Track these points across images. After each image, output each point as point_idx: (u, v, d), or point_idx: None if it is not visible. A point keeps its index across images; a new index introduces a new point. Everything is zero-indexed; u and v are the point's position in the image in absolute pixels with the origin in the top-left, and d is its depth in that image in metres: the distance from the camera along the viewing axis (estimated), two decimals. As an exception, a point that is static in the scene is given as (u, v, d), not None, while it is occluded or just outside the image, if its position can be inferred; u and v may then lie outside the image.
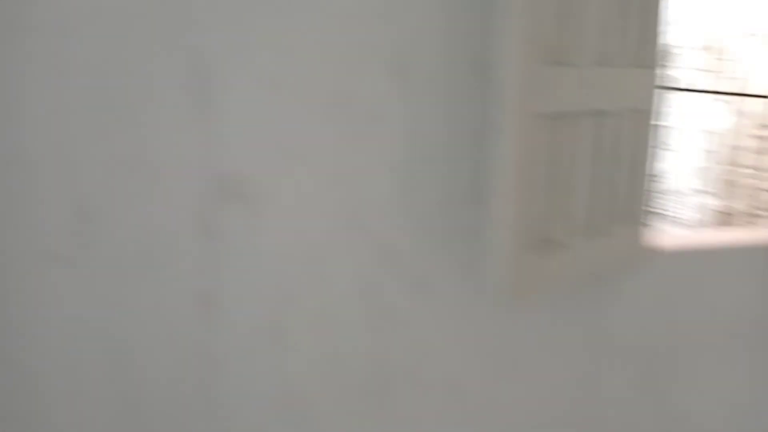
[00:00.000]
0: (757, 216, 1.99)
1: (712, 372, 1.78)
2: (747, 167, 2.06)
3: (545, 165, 1.22)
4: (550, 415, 1.63)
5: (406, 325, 1.44)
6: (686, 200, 1.98)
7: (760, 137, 2.11)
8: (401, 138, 1.35)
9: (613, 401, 1.70)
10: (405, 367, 1.45)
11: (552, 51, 1.16)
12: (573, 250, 1.34)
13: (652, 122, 1.50)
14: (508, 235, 1.15)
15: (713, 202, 2.04)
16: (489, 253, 1.17)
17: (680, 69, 1.94)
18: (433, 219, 1.42)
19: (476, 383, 1.52)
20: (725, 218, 2.06)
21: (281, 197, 1.30)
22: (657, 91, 1.48)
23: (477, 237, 1.44)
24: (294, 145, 1.28)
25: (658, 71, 1.45)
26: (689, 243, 1.72)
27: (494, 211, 1.15)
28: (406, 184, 1.38)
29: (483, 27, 1.36)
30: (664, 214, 1.94)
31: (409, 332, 1.44)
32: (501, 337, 1.52)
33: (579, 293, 1.57)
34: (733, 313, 1.77)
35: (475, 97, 1.38)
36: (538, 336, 1.56)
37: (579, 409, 1.66)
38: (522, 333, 1.54)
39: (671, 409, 1.77)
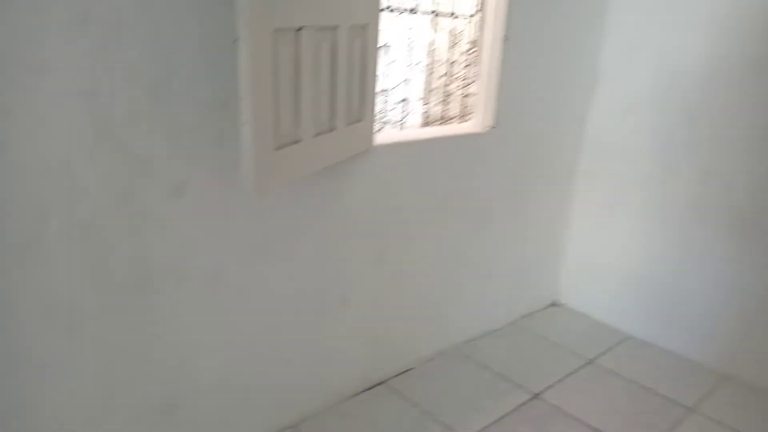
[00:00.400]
0: (465, 117, 2.49)
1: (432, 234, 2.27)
2: (457, 78, 2.53)
3: (286, 74, 1.43)
4: (304, 293, 1.94)
5: (166, 227, 1.56)
6: (408, 106, 2.38)
7: (467, 52, 2.56)
8: (152, 51, 1.42)
9: (358, 273, 2.08)
10: (167, 266, 1.59)
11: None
12: (312, 145, 1.59)
13: (377, 37, 1.79)
14: (255, 136, 1.35)
15: (430, 108, 2.48)
16: (241, 154, 1.36)
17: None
18: (189, 127, 1.54)
19: (235, 272, 1.73)
20: (441, 121, 2.52)
21: (28, 112, 1.29)
22: (379, 10, 1.76)
23: (231, 141, 1.60)
24: (39, 61, 1.28)
25: (376, -7, 1.73)
26: (405, 138, 2.12)
27: (243, 115, 1.33)
28: (161, 96, 1.46)
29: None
30: (388, 118, 2.32)
31: (169, 233, 1.57)
32: (255, 228, 1.75)
33: (319, 183, 1.86)
34: (441, 190, 2.25)
35: (227, 11, 1.49)
36: (288, 223, 1.82)
37: (329, 284, 2.00)
38: (273, 222, 1.79)
39: (402, 274, 2.22)
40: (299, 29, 1.45)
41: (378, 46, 1.82)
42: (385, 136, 2.09)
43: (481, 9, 2.31)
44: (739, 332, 2.43)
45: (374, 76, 1.84)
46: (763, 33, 2.21)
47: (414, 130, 2.32)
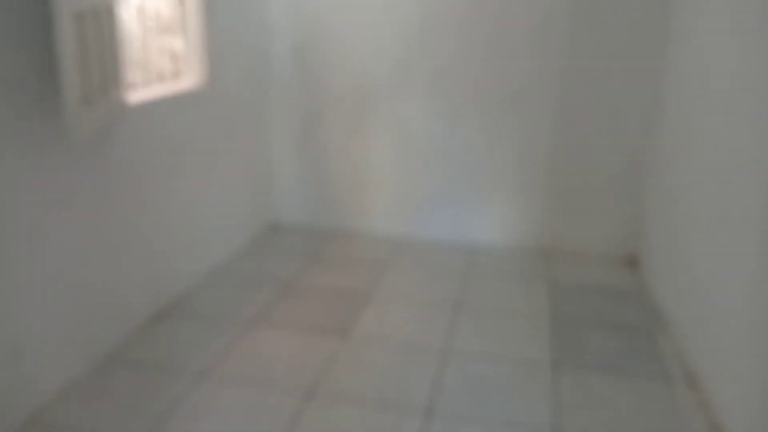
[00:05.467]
0: (178, 77, 2.94)
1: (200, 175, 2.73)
2: (156, 47, 2.95)
3: (79, 47, 1.76)
4: (93, 236, 2.23)
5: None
6: (146, 70, 2.75)
7: (155, 24, 2.99)
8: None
9: (127, 222, 2.42)
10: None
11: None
12: (98, 104, 1.94)
13: (118, 13, 2.15)
14: (72, 94, 1.68)
15: (153, 70, 2.87)
16: (63, 109, 1.68)
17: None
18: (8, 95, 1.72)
19: (40, 220, 1.97)
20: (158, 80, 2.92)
21: None
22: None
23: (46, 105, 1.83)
24: None
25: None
26: (145, 97, 2.52)
27: (63, 78, 1.65)
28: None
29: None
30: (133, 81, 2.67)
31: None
32: (63, 178, 2.00)
33: (99, 138, 2.17)
34: (174, 139, 2.72)
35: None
36: (98, 173, 2.11)
37: (115, 231, 2.31)
38: (76, 174, 2.06)
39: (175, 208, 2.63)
40: (82, 13, 1.79)
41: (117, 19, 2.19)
42: (132, 96, 2.45)
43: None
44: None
45: (121, 44, 2.21)
46: None
47: (150, 90, 2.70)
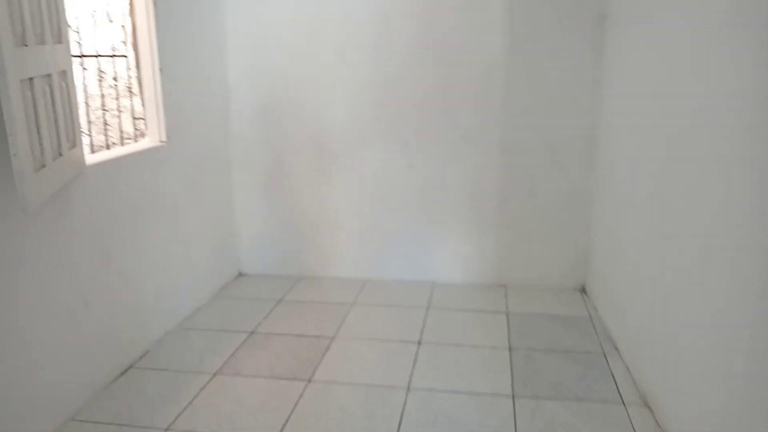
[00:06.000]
0: (130, 139, 3.02)
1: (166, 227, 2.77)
2: (114, 108, 3.04)
3: (30, 113, 1.83)
4: (50, 299, 2.25)
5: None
6: (95, 131, 2.82)
7: (114, 87, 3.09)
8: None
9: (91, 279, 2.45)
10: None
11: (17, 37, 1.76)
12: (52, 168, 2.00)
13: (74, 79, 2.24)
14: (23, 163, 1.74)
15: (93, 137, 2.94)
16: (15, 179, 1.73)
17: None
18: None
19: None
20: (109, 146, 3.00)
21: None
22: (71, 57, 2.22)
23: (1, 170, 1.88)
24: None
25: (67, 45, 2.19)
26: (104, 157, 2.59)
27: (12, 148, 1.71)
28: None
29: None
30: (87, 140, 2.73)
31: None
32: (20, 239, 2.03)
33: (52, 204, 2.22)
34: (135, 194, 2.78)
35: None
36: (57, 232, 2.14)
37: (70, 289, 2.34)
38: (22, 238, 2.09)
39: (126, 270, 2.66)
40: (31, 79, 1.86)
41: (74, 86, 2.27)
42: (91, 157, 2.52)
43: (136, 47, 2.88)
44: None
45: (77, 109, 2.28)
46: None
47: (109, 150, 2.77)
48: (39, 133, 1.90)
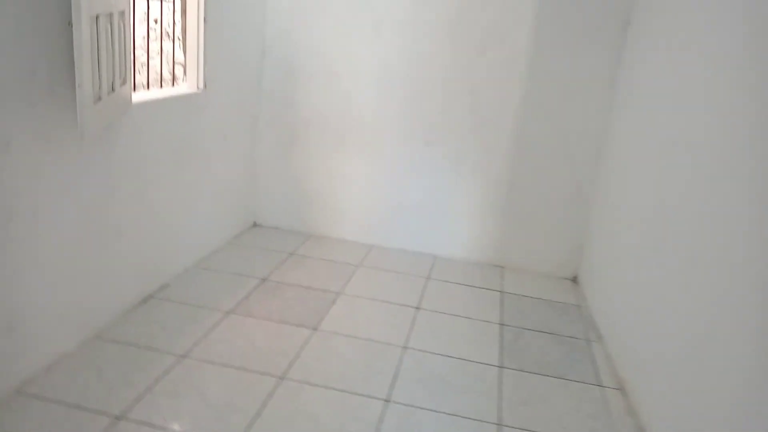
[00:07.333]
0: (176, 81, 3.15)
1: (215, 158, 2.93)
2: (154, 51, 3.16)
3: (93, 48, 1.97)
4: (102, 225, 2.42)
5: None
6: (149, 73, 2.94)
7: (156, 30, 3.20)
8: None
9: (125, 211, 2.61)
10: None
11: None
12: (107, 101, 2.15)
13: (131, 19, 2.37)
14: (85, 94, 1.89)
15: (159, 70, 3.06)
16: (78, 108, 1.88)
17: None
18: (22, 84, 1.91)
19: (49, 210, 2.15)
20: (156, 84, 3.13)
21: None
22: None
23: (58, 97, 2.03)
24: None
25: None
26: (147, 97, 2.73)
27: (78, 78, 1.85)
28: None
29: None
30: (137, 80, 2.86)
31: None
32: (68, 165, 2.19)
33: (110, 130, 2.37)
34: (174, 137, 2.93)
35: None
36: (101, 164, 2.30)
37: (112, 218, 2.51)
38: (81, 162, 2.24)
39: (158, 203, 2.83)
40: (97, 16, 2.00)
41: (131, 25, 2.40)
42: (135, 96, 2.66)
43: (183, -3, 3.00)
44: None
45: (131, 48, 2.42)
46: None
47: (151, 91, 2.91)
48: (99, 67, 2.05)
